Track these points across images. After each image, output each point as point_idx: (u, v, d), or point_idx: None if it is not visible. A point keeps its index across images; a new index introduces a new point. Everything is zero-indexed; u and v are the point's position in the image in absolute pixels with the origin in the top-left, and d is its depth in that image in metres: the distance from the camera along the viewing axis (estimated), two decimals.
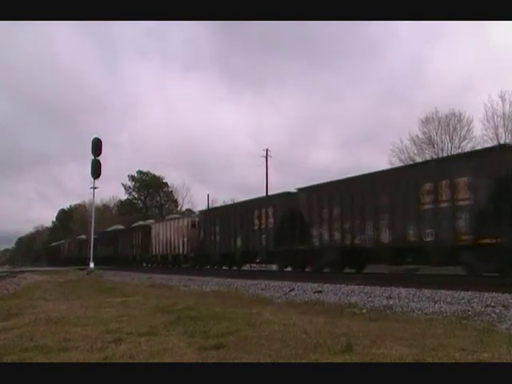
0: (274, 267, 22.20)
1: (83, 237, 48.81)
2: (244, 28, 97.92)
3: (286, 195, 19.20)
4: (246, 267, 26.46)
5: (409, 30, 80.00)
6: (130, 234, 38.06)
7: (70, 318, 6.72)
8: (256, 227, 20.34)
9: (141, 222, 40.03)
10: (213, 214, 25.76)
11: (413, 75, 70.92)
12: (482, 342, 4.53)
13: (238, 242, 21.85)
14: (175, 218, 31.79)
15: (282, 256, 18.86)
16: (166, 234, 30.80)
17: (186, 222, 28.32)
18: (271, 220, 19.41)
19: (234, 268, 24.07)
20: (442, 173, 12.12)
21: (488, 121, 29.74)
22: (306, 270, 18.01)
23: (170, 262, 30.50)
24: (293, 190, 19.36)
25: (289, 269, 19.49)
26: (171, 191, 66.39)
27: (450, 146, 31.54)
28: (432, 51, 69.36)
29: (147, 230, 34.18)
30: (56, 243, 64.72)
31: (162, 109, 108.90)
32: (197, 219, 27.49)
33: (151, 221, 38.55)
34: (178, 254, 28.87)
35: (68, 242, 56.35)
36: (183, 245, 28.06)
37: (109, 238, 41.63)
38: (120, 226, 44.44)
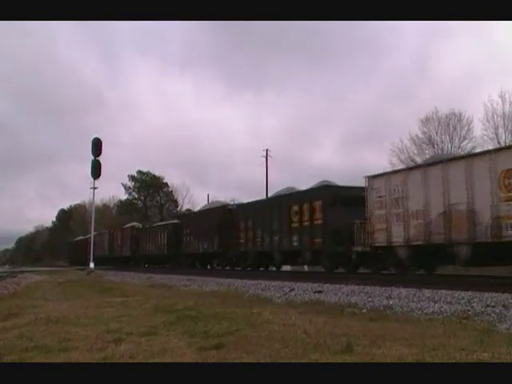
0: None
1: (137, 225, 40.85)
2: (244, 27, 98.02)
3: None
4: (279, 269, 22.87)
5: (409, 30, 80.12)
6: (157, 232, 34.47)
7: (70, 318, 6.72)
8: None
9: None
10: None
11: (414, 75, 70.99)
12: (482, 341, 4.53)
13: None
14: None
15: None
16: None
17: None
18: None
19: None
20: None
21: (488, 121, 29.71)
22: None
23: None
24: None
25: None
26: (171, 191, 66.37)
27: (449, 145, 31.53)
28: (433, 51, 69.41)
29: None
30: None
31: (162, 108, 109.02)
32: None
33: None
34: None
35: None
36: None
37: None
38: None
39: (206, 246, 26.09)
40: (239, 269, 22.61)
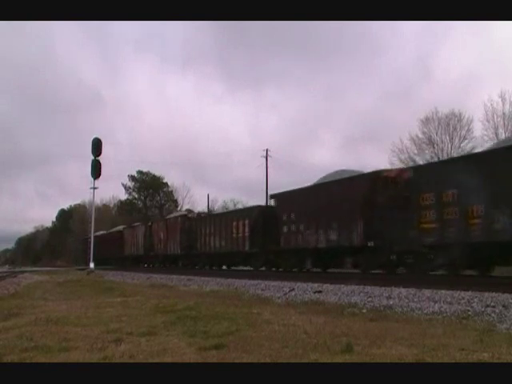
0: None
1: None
2: (244, 27, 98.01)
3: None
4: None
5: (410, 30, 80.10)
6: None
7: (70, 318, 6.72)
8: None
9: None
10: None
11: (414, 75, 70.97)
12: (481, 341, 4.53)
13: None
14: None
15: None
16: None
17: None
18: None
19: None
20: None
21: (488, 121, 29.74)
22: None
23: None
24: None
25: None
26: (171, 191, 66.36)
27: (449, 145, 31.55)
28: (433, 51, 69.40)
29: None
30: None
31: (162, 108, 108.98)
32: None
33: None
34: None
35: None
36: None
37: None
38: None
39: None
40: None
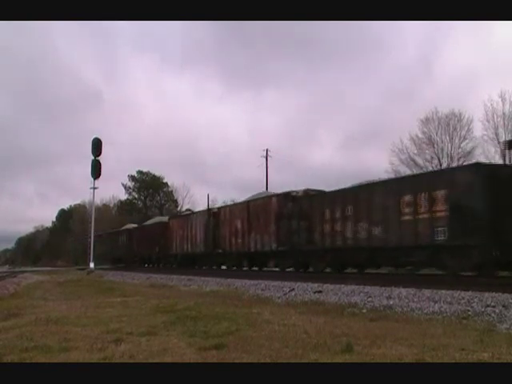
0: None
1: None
2: (244, 26, 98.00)
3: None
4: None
5: (410, 30, 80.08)
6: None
7: (70, 318, 6.73)
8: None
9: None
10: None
11: (414, 75, 70.94)
12: (482, 341, 4.54)
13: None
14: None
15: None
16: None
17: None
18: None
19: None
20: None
21: (488, 121, 29.69)
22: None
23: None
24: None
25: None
26: (171, 191, 66.37)
27: (449, 145, 31.52)
28: (433, 51, 69.37)
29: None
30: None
31: (162, 108, 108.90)
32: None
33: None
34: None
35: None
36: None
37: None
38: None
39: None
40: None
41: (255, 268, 22.01)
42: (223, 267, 24.65)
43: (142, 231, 35.73)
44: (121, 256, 38.42)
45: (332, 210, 16.54)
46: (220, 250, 24.00)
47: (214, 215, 25.07)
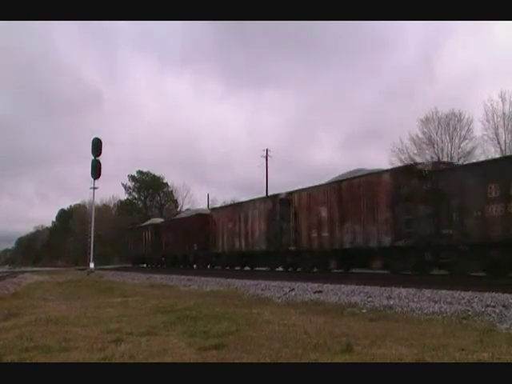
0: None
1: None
2: (244, 26, 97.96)
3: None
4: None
5: (410, 30, 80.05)
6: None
7: (70, 318, 6.72)
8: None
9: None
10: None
11: (414, 75, 70.88)
12: (481, 341, 4.54)
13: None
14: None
15: None
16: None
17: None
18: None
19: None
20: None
21: (488, 121, 29.68)
22: None
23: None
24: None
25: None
26: (171, 191, 66.37)
27: (449, 145, 31.50)
28: (434, 51, 69.32)
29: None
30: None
31: (162, 108, 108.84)
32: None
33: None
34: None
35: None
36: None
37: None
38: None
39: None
40: None
41: (352, 270, 16.47)
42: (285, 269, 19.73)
43: (172, 226, 30.73)
44: (144, 255, 34.27)
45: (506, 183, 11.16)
46: (292, 247, 18.72)
47: (282, 202, 19.44)
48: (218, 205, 35.06)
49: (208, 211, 27.96)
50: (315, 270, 17.93)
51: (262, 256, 21.20)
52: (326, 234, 17.04)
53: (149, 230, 34.03)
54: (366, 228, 15.18)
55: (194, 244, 26.79)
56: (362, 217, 15.40)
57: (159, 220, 35.74)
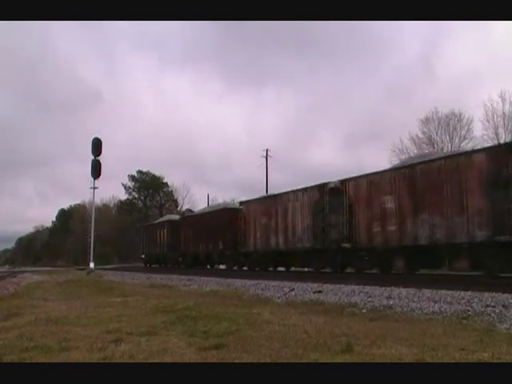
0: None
1: None
2: (244, 26, 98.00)
3: None
4: None
5: (410, 30, 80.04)
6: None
7: (70, 318, 6.72)
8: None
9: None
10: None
11: (414, 75, 70.86)
12: (481, 341, 4.53)
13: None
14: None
15: None
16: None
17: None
18: None
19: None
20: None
21: (488, 121, 29.69)
22: None
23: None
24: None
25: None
26: (171, 191, 66.36)
27: (449, 145, 31.53)
28: (434, 51, 69.31)
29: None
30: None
31: (162, 108, 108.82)
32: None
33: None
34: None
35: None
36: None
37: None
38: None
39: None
40: None
41: (424, 271, 14.07)
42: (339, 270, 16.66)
43: (194, 222, 27.57)
44: (158, 255, 31.43)
45: None
46: (347, 245, 16.01)
47: (331, 192, 16.64)
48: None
49: (236, 205, 24.40)
50: (374, 271, 15.26)
51: (304, 255, 18.23)
52: (392, 228, 14.18)
53: (165, 228, 30.69)
54: (449, 220, 12.61)
55: (220, 242, 23.68)
56: (444, 207, 12.78)
57: (177, 216, 32.95)
